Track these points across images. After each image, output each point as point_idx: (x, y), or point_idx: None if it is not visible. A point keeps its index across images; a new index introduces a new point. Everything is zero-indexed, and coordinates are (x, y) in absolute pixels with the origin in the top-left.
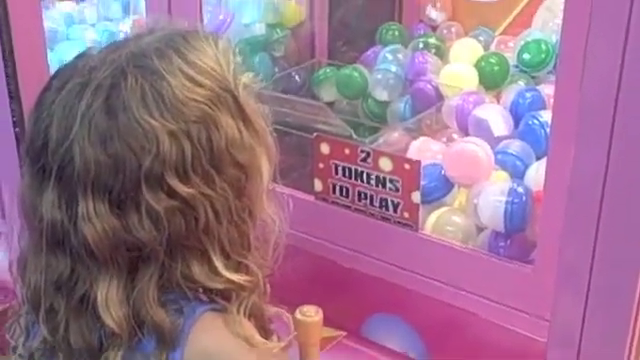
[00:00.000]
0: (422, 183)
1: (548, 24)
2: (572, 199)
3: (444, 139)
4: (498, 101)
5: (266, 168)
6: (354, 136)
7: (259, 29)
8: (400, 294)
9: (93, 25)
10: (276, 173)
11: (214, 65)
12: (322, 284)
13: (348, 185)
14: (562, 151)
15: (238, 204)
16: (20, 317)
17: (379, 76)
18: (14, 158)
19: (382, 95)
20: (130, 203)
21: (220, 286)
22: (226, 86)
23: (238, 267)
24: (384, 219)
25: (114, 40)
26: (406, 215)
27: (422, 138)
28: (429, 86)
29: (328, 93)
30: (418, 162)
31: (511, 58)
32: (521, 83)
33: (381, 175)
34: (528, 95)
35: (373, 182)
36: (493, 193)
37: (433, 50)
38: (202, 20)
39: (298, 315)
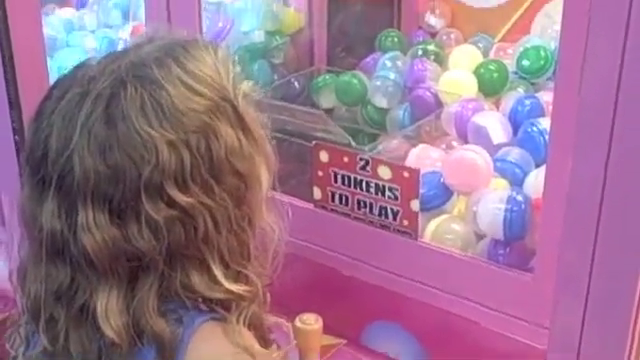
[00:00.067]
0: (421, 191)
1: (547, 30)
2: (571, 206)
3: (443, 146)
4: (497, 108)
5: (265, 177)
6: (353, 144)
7: (258, 36)
8: (400, 302)
9: (93, 32)
10: (275, 181)
11: (213, 74)
12: (322, 292)
13: (347, 193)
14: (561, 158)
15: (237, 213)
16: (20, 327)
17: (378, 83)
18: (14, 166)
19: (381, 102)
20: (130, 213)
21: (220, 296)
22: (225, 95)
23: (237, 277)
24: (383, 227)
25: (114, 48)
26: (405, 223)
27: (421, 145)
28: (428, 93)
29: (327, 100)
30: (417, 170)
31: (510, 65)
32: (520, 90)
33: (380, 183)
34: (527, 102)
35: (372, 190)
36: (492, 201)
37: (432, 57)
38: (201, 27)
39: (298, 323)
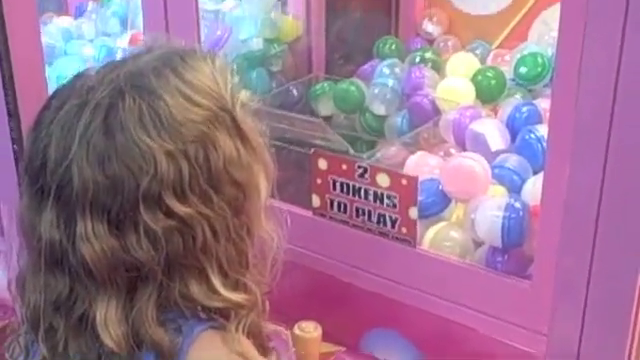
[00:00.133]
0: (419, 198)
1: (544, 37)
2: (568, 213)
3: (441, 153)
4: (495, 115)
5: (264, 186)
6: (351, 152)
7: (256, 44)
8: (398, 309)
9: (91, 41)
10: (274, 189)
11: (211, 84)
12: (320, 299)
13: (346, 201)
14: (558, 165)
15: (236, 222)
16: (19, 336)
17: (376, 90)
18: (13, 175)
19: (379, 109)
20: (128, 223)
21: (219, 305)
22: (223, 105)
23: (236, 285)
24: (382, 234)
25: (112, 56)
26: (404, 230)
27: (419, 152)
28: (426, 100)
29: (326, 107)
30: (415, 178)
31: (507, 71)
32: (518, 97)
33: (379, 191)
34: (524, 109)
35: (371, 198)
36: (490, 208)
37: (430, 64)
38: (199, 35)
39: (297, 331)
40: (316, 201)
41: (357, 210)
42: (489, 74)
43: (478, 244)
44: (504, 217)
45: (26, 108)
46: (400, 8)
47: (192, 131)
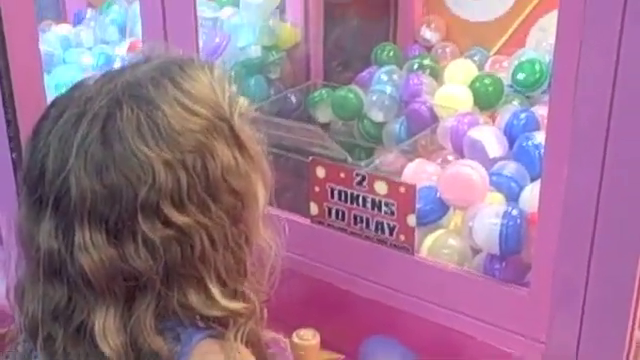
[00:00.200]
0: (418, 206)
1: (542, 44)
2: (566, 221)
3: (439, 160)
4: (493, 121)
5: (262, 194)
6: (349, 160)
7: (255, 51)
8: (396, 316)
9: (90, 48)
10: (272, 197)
11: (209, 93)
12: (319, 307)
13: (344, 208)
14: (556, 172)
15: (234, 231)
16: (18, 344)
17: (374, 97)
18: (11, 184)
19: (377, 116)
20: (126, 233)
21: (217, 314)
22: (222, 114)
23: (234, 294)
24: (380, 242)
25: (110, 64)
26: (402, 238)
27: (417, 160)
28: (424, 107)
29: (324, 114)
30: (413, 186)
31: (505, 78)
32: (515, 103)
33: (377, 198)
34: (522, 116)
35: (369, 205)
36: (488, 216)
37: (428, 71)
38: (198, 43)
39: (295, 339)
40: (314, 209)
41: (355, 218)
42: (487, 81)
43: (476, 251)
44: (502, 225)
45: (25, 117)
46: (398, 15)
47: (190, 140)
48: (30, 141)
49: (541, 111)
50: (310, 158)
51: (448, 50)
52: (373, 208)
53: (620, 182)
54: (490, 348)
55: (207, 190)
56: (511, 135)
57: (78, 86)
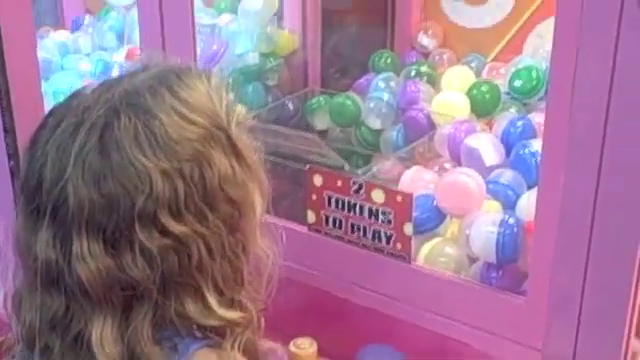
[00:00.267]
0: (414, 214)
1: (539, 51)
2: (562, 229)
3: (436, 168)
4: (490, 129)
5: (259, 203)
6: (346, 168)
7: (252, 58)
8: (393, 324)
9: (88, 55)
10: (269, 205)
11: (207, 102)
12: (316, 315)
13: (341, 217)
14: (552, 180)
15: (231, 240)
16: (15, 355)
17: (372, 104)
18: (9, 192)
19: (375, 123)
20: (124, 242)
21: (214, 323)
22: (219, 123)
23: (232, 303)
24: (377, 250)
25: (108, 71)
26: (399, 247)
27: (415, 167)
28: (421, 115)
29: (321, 121)
30: (410, 195)
31: (502, 85)
32: (512, 110)
33: (374, 207)
34: (519, 124)
35: (366, 214)
36: (485, 224)
37: (425, 78)
38: (195, 50)
39: (292, 347)
40: (311, 217)
41: (352, 226)
42: (484, 88)
43: (473, 260)
44: (499, 233)
45: (22, 124)
46: (395, 21)
47: (187, 149)
48: (28, 151)
49: (538, 118)
50: (307, 166)
51: (445, 57)
52: (370, 216)
53: (617, 189)
54: (486, 356)
55: (204, 199)
56: (508, 143)
57: (76, 95)
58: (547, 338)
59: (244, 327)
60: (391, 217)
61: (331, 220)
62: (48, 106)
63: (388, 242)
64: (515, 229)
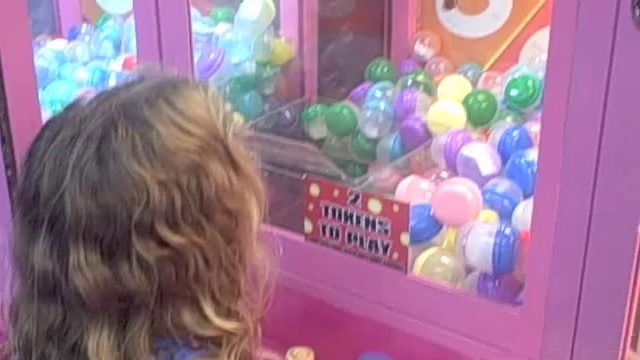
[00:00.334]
0: (411, 223)
1: (535, 60)
2: (558, 239)
3: (433, 177)
4: (486, 138)
5: (256, 213)
6: (343, 177)
7: (249, 67)
8: (390, 334)
9: (85, 63)
10: (266, 215)
11: (204, 113)
12: (313, 325)
13: (338, 227)
14: (548, 190)
15: (228, 250)
16: None
17: (368, 113)
18: (6, 202)
19: (371, 132)
20: (121, 253)
21: (211, 333)
22: (216, 134)
23: (229, 313)
24: (374, 260)
25: (105, 80)
26: (395, 256)
27: (411, 177)
28: (418, 124)
29: (318, 130)
30: (407, 205)
31: (499, 94)
32: (509, 119)
33: (370, 217)
34: (515, 133)
35: (363, 224)
36: (481, 234)
37: (422, 87)
38: (192, 59)
39: (289, 357)
40: (308, 227)
41: (349, 236)
42: (480, 98)
43: (469, 270)
44: (495, 243)
45: (19, 133)
46: (392, 30)
47: (184, 161)
48: (25, 162)
49: (534, 127)
50: (304, 176)
51: (442, 66)
52: (367, 226)
53: (612, 199)
54: None
55: (201, 210)
56: (504, 152)
57: (72, 107)
58: (543, 348)
59: (241, 337)
60: (388, 227)
61: (328, 230)
62: (45, 115)
63: (385, 252)
64: (511, 239)
